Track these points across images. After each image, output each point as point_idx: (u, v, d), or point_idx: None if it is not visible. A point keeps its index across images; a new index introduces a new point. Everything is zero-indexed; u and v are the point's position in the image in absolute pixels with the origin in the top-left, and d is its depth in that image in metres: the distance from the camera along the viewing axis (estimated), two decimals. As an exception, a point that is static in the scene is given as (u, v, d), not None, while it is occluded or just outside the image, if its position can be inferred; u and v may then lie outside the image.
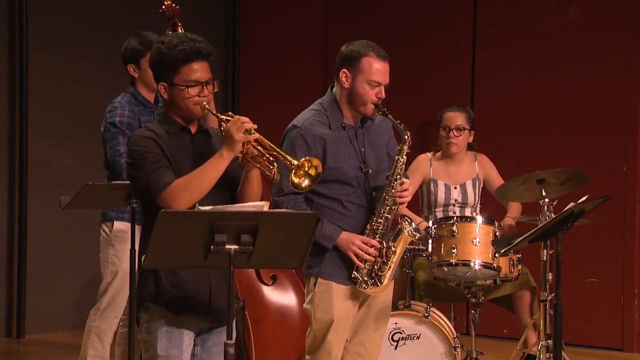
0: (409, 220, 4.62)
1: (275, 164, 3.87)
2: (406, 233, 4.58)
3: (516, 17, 7.98)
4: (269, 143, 3.89)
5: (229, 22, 9.19)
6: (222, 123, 3.87)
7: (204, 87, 3.91)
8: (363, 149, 4.60)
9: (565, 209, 4.98)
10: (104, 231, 5.60)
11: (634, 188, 7.55)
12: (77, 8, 8.12)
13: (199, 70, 3.89)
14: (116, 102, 5.54)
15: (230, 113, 3.90)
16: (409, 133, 4.55)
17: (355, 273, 4.53)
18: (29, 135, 7.81)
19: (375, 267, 4.54)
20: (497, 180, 6.25)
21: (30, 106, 7.81)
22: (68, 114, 7.95)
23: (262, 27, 9.14)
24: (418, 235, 4.65)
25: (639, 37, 7.53)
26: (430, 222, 5.87)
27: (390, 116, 4.53)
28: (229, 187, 3.95)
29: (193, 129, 3.99)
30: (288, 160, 3.86)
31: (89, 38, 8.00)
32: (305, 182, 3.87)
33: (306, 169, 3.86)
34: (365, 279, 4.54)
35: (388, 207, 4.55)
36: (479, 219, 5.70)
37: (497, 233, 5.66)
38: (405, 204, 4.66)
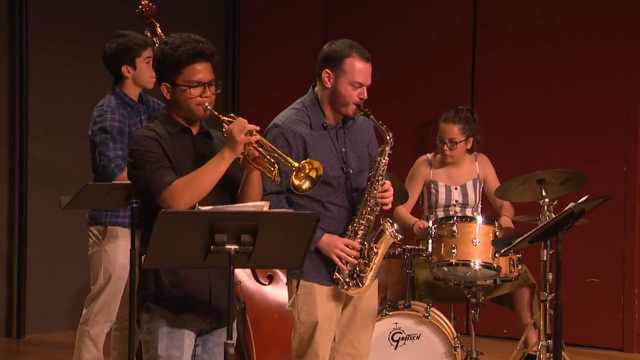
0: (391, 222, 4.61)
1: (276, 165, 3.87)
2: (388, 234, 4.57)
3: (516, 17, 7.98)
4: (270, 145, 3.90)
5: (229, 22, 9.19)
6: (224, 124, 3.87)
7: (207, 88, 3.91)
8: (344, 149, 4.58)
9: (565, 209, 4.98)
10: (95, 235, 5.56)
11: (634, 188, 7.55)
12: (77, 8, 8.12)
13: (201, 71, 3.90)
14: (104, 105, 5.47)
15: (232, 114, 3.91)
16: (390, 134, 4.52)
17: (337, 274, 4.52)
18: (29, 135, 7.81)
19: (357, 268, 4.53)
20: (494, 182, 6.23)
21: (30, 106, 7.81)
22: (68, 114, 7.95)
23: (262, 27, 9.14)
24: (400, 236, 4.62)
25: (639, 37, 7.53)
26: (431, 222, 5.86)
27: (372, 117, 4.51)
28: (230, 189, 3.95)
29: (194, 130, 3.99)
30: (289, 163, 3.86)
31: (89, 38, 7.99)
32: (306, 185, 3.87)
33: (307, 171, 3.86)
34: (347, 279, 4.53)
35: (369, 208, 4.53)
36: (479, 219, 5.70)
37: (497, 233, 5.66)
38: (389, 206, 4.62)
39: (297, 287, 4.56)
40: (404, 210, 6.16)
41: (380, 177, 4.52)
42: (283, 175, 4.09)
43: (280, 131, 4.49)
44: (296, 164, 3.85)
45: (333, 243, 4.49)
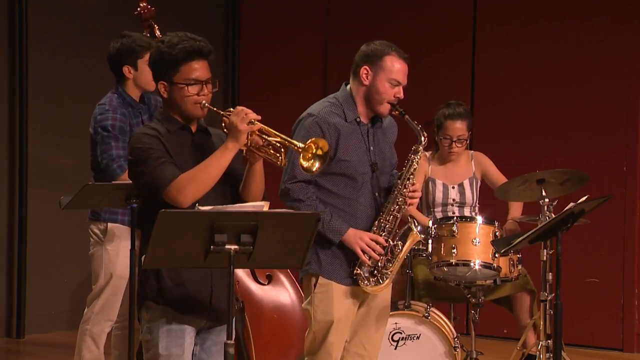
0: (416, 222, 4.64)
1: (282, 150, 3.86)
2: (415, 232, 4.59)
3: (516, 17, 7.98)
4: (273, 131, 3.88)
5: (229, 22, 9.19)
6: (225, 118, 3.87)
7: (204, 85, 3.92)
8: (372, 148, 4.62)
9: (565, 209, 4.98)
10: (94, 233, 5.56)
11: (634, 188, 7.55)
12: (77, 8, 8.12)
13: (198, 69, 3.90)
14: (105, 104, 5.46)
15: (230, 109, 3.90)
16: (425, 134, 4.59)
17: (358, 269, 4.53)
18: (29, 135, 7.81)
19: (380, 264, 4.55)
20: (496, 175, 6.23)
21: (30, 106, 7.81)
22: (68, 114, 7.95)
23: (262, 27, 9.14)
24: (422, 236, 4.67)
25: (639, 37, 7.53)
26: (430, 222, 5.86)
27: (407, 117, 4.57)
28: (231, 184, 3.96)
29: (193, 128, 4.00)
30: (294, 145, 3.85)
31: (89, 38, 8.00)
32: (316, 165, 3.85)
33: (314, 150, 3.84)
34: (367, 276, 4.54)
35: (397, 206, 4.56)
36: (479, 219, 5.70)
37: (497, 233, 5.66)
38: (415, 205, 4.68)
39: (315, 286, 4.56)
40: (414, 210, 6.14)
41: (411, 176, 4.57)
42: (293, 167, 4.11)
43: (315, 120, 4.53)
44: (301, 145, 3.83)
45: (359, 236, 4.51)
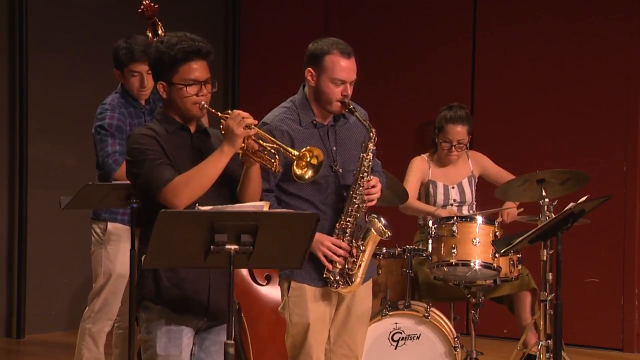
0: (378, 217, 4.57)
1: (277, 156, 3.88)
2: (374, 232, 4.54)
3: (516, 17, 7.98)
4: (269, 137, 3.92)
5: (229, 22, 9.19)
6: (222, 120, 3.88)
7: (203, 86, 3.92)
8: (334, 148, 4.56)
9: (565, 209, 4.98)
10: (96, 232, 5.58)
11: (634, 188, 7.55)
12: (77, 8, 8.12)
13: (197, 69, 3.90)
14: (107, 103, 5.49)
15: (229, 110, 3.91)
16: (374, 130, 4.48)
17: (327, 273, 4.50)
18: (29, 135, 7.81)
19: (347, 266, 4.51)
20: (495, 170, 6.23)
21: (30, 106, 7.81)
22: (68, 114, 7.95)
23: (262, 27, 9.14)
24: (389, 233, 4.56)
25: (639, 37, 7.53)
26: (431, 222, 5.86)
27: (356, 113, 4.47)
28: (229, 186, 3.96)
29: (192, 128, 4.00)
30: (289, 152, 3.87)
31: (89, 38, 8.00)
32: (309, 173, 3.88)
33: (308, 159, 3.87)
34: (337, 278, 4.51)
35: (356, 206, 4.48)
36: (479, 218, 5.70)
37: (497, 233, 5.66)
38: (374, 202, 4.56)
39: (288, 289, 4.54)
40: (417, 201, 6.12)
41: (365, 174, 4.48)
42: (283, 168, 4.10)
43: (268, 128, 4.45)
44: (296, 153, 3.86)
45: (320, 241, 4.43)
